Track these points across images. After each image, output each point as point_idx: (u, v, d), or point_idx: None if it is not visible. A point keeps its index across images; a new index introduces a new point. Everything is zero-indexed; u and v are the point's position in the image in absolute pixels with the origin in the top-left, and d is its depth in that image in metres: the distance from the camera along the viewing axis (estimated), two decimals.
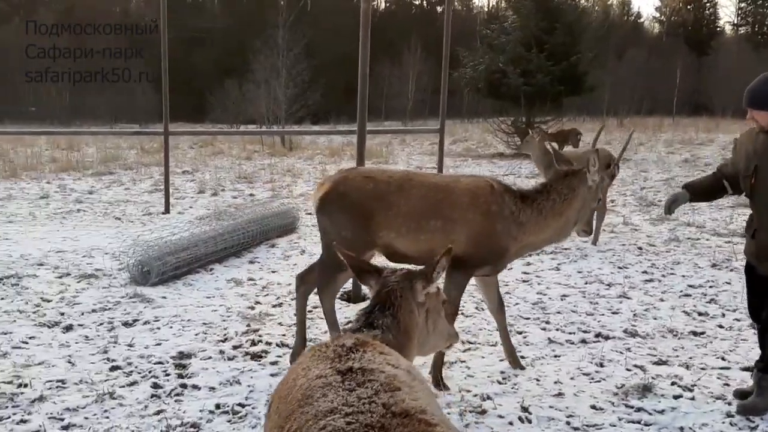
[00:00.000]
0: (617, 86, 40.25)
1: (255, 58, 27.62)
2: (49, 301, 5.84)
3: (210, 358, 4.64)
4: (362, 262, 2.29)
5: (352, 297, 6.02)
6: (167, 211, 10.54)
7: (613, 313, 5.71)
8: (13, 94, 41.05)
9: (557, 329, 5.30)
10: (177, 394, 4.07)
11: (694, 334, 5.19)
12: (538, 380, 4.33)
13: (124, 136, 22.77)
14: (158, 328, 5.21)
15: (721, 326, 5.35)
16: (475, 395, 4.09)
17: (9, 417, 3.71)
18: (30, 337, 4.95)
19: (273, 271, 6.98)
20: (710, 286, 6.42)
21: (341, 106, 34.90)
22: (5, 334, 4.98)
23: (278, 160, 18.91)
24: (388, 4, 68.37)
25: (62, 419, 3.71)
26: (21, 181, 14.37)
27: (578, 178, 4.18)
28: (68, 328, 5.18)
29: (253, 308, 5.71)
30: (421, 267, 2.29)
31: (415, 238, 4.15)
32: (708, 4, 63.27)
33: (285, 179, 14.83)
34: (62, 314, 5.48)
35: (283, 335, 5.05)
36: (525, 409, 3.90)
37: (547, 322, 5.47)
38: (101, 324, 5.27)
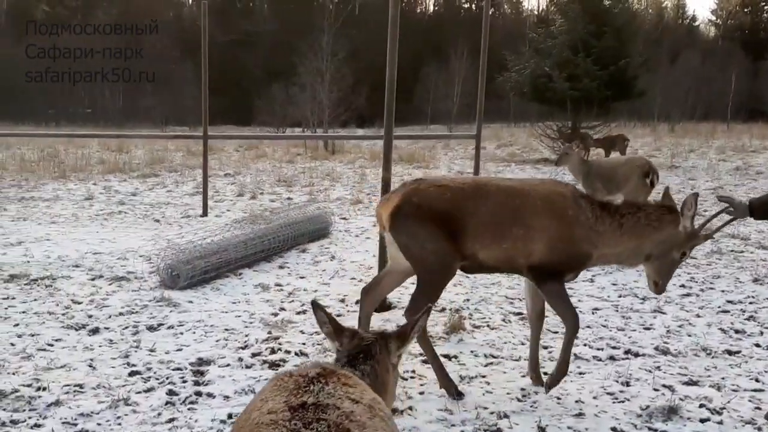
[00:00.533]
0: (670, 91, 39.30)
1: (301, 62, 27.86)
2: (79, 303, 5.93)
3: (228, 365, 4.63)
4: (339, 324, 2.22)
5: (378, 306, 5.94)
6: (205, 214, 10.66)
7: (646, 328, 5.52)
8: (70, 96, 42.37)
9: (585, 344, 5.13)
10: (191, 402, 4.06)
11: (729, 353, 4.96)
12: (558, 398, 4.19)
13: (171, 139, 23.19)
14: (181, 333, 5.23)
15: (758, 345, 5.11)
16: (492, 413, 3.97)
17: (24, 421, 3.75)
18: (56, 340, 5.02)
19: (301, 277, 6.97)
20: (750, 302, 6.15)
21: None
22: (33, 336, 5.08)
23: (319, 163, 19.00)
24: (436, 8, 68.32)
25: (75, 424, 3.73)
26: (69, 182, 14.75)
27: (671, 216, 4.01)
28: (94, 331, 5.24)
29: (276, 315, 5.69)
30: (400, 327, 2.24)
31: (498, 247, 4.01)
32: (766, 7, 61.30)
33: (323, 183, 14.87)
34: (90, 317, 5.56)
35: (303, 344, 5.02)
36: (542, 429, 3.77)
37: (575, 337, 5.30)
38: (126, 327, 5.33)
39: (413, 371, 4.55)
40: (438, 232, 3.98)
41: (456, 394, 4.14)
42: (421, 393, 4.23)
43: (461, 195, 4.04)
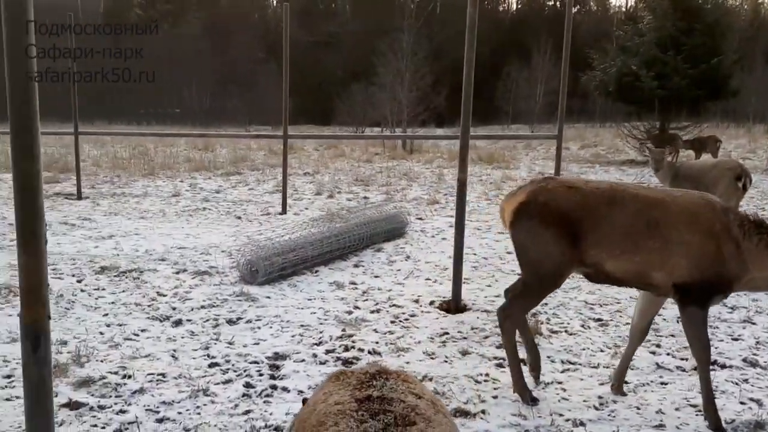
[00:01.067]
0: (766, 90, 37.39)
1: (381, 62, 28.07)
2: (164, 295, 6.16)
3: (303, 360, 4.70)
4: None
5: (452, 308, 5.92)
6: (284, 211, 10.89)
7: (734, 339, 5.26)
8: (159, 97, 44.17)
9: (668, 354, 4.94)
10: (267, 395, 4.14)
11: None
12: (638, 408, 4.05)
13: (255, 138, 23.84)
14: (258, 328, 5.35)
15: None
16: (567, 420, 3.87)
17: (110, 406, 3.92)
18: (141, 330, 5.23)
19: (376, 276, 7.00)
20: None
21: None
22: (120, 325, 5.31)
23: (397, 163, 19.07)
24: (519, 5, 67.42)
25: (158, 412, 3.88)
26: (158, 179, 15.37)
27: None
28: (177, 323, 5.43)
29: (350, 313, 5.74)
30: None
31: (628, 260, 3.75)
32: None
33: (401, 183, 14.91)
34: (174, 309, 5.76)
35: (376, 342, 5.04)
36: None
37: (658, 346, 5.11)
38: (207, 320, 5.49)
39: (487, 374, 4.49)
40: (561, 236, 3.80)
41: (530, 400, 4.06)
42: (495, 397, 4.16)
43: (592, 199, 3.83)
